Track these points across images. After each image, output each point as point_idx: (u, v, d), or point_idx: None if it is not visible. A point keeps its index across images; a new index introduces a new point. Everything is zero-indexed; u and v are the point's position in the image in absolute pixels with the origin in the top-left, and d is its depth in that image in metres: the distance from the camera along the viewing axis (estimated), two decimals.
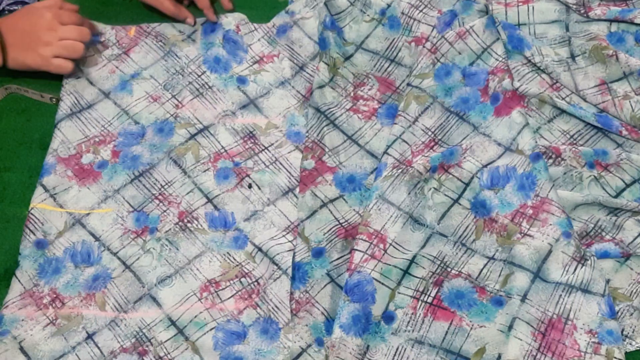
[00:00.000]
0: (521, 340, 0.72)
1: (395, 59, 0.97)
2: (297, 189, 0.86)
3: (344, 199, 0.85)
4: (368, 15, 0.99)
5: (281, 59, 0.97)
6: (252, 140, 0.90)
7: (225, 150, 0.89)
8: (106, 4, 1.04)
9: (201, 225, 0.83)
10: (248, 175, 0.87)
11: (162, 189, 0.86)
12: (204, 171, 0.87)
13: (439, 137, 0.88)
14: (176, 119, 0.91)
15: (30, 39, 0.88)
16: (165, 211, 0.84)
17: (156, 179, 0.87)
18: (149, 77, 0.95)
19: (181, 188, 0.86)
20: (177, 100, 0.93)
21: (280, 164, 0.88)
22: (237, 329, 0.76)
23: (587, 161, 0.85)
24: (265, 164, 0.88)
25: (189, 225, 0.83)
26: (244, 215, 0.84)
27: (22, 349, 0.74)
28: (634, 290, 0.76)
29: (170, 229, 0.83)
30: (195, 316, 0.77)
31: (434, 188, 0.83)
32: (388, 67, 0.96)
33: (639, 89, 0.90)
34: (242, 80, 0.95)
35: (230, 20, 0.99)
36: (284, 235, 0.82)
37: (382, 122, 0.91)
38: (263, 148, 0.89)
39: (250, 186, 0.86)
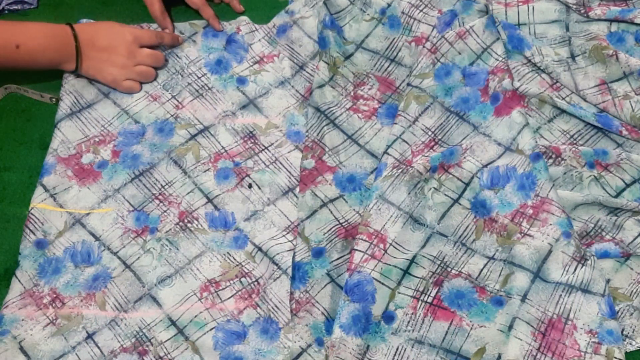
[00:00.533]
0: (521, 340, 0.73)
1: (396, 58, 0.97)
2: (297, 189, 0.86)
3: (344, 199, 0.85)
4: (368, 14, 0.99)
5: (281, 59, 0.97)
6: (252, 140, 0.90)
7: (226, 151, 0.89)
8: (106, 4, 1.04)
9: (201, 225, 0.83)
10: (248, 175, 0.87)
11: (163, 189, 0.86)
12: (204, 171, 0.87)
13: (439, 137, 0.88)
14: (176, 120, 0.91)
15: (108, 57, 0.90)
16: (165, 211, 0.84)
17: (156, 179, 0.87)
18: None
19: (181, 188, 0.86)
20: (177, 100, 0.93)
21: (280, 163, 0.88)
22: (237, 328, 0.76)
23: (587, 161, 0.85)
24: (265, 164, 0.88)
25: (189, 225, 0.83)
26: (244, 215, 0.84)
27: (22, 349, 0.74)
28: (634, 290, 0.76)
29: (170, 229, 0.83)
30: (195, 316, 0.77)
31: (434, 188, 0.83)
32: (388, 66, 0.96)
33: (639, 89, 0.90)
34: (241, 81, 0.95)
35: (233, 27, 0.99)
36: (284, 235, 0.82)
37: (382, 122, 0.91)
38: (263, 148, 0.89)
39: (250, 186, 0.86)
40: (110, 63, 0.90)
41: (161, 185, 0.86)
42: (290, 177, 0.87)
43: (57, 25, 0.88)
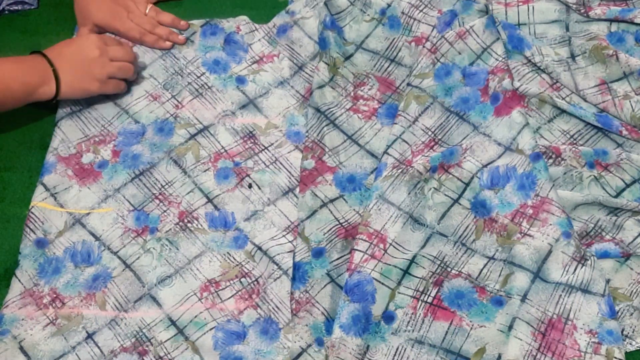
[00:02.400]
0: (521, 340, 0.72)
1: (395, 58, 0.97)
2: (297, 189, 0.86)
3: (344, 199, 0.85)
4: (368, 15, 0.99)
5: (281, 59, 0.97)
6: (252, 140, 0.90)
7: (225, 150, 0.89)
8: None
9: (201, 225, 0.83)
10: (248, 175, 0.87)
11: (163, 189, 0.86)
12: (204, 171, 0.87)
13: (439, 137, 0.88)
14: (176, 119, 0.91)
15: (83, 63, 0.87)
16: (165, 211, 0.84)
17: (156, 179, 0.87)
18: (149, 77, 0.95)
19: (181, 188, 0.86)
20: (177, 100, 0.93)
21: (281, 163, 0.88)
22: (237, 329, 0.76)
23: (587, 161, 0.85)
24: (265, 164, 0.88)
25: (189, 225, 0.83)
26: (244, 215, 0.84)
27: (22, 349, 0.74)
28: (634, 290, 0.76)
29: (170, 229, 0.83)
30: (196, 316, 0.77)
31: (434, 188, 0.83)
32: (388, 67, 0.96)
33: (639, 89, 0.90)
34: (241, 80, 0.95)
35: (232, 24, 0.99)
36: (284, 236, 0.82)
37: (382, 122, 0.91)
38: (263, 148, 0.89)
39: (250, 186, 0.86)
40: (88, 68, 0.87)
41: (161, 185, 0.86)
42: (290, 177, 0.87)
43: (22, 56, 0.86)
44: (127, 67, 0.91)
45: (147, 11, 0.97)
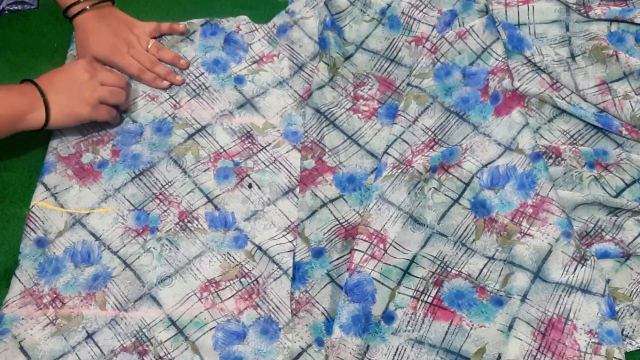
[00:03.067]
0: (521, 340, 0.72)
1: (395, 58, 0.97)
2: (297, 189, 0.86)
3: (344, 199, 0.85)
4: (368, 15, 0.99)
5: (281, 59, 0.97)
6: (250, 140, 0.90)
7: (224, 150, 0.89)
8: None
9: (201, 225, 0.83)
10: (248, 175, 0.87)
11: (163, 189, 0.86)
12: (204, 171, 0.87)
13: (439, 137, 0.88)
14: (174, 120, 0.91)
15: (73, 87, 0.84)
16: (165, 211, 0.84)
17: (157, 179, 0.87)
18: None
19: (181, 188, 0.86)
20: (175, 100, 0.93)
21: (280, 163, 0.88)
22: (237, 329, 0.76)
23: (587, 161, 0.85)
24: (264, 164, 0.88)
25: (189, 225, 0.83)
26: (244, 215, 0.84)
27: (22, 349, 0.74)
28: (634, 290, 0.76)
29: (170, 229, 0.83)
30: (196, 316, 0.77)
31: (434, 188, 0.83)
32: (388, 67, 0.96)
33: (639, 89, 0.90)
34: (239, 80, 0.95)
35: (232, 24, 0.99)
36: (284, 236, 0.82)
37: (382, 122, 0.91)
38: (261, 148, 0.89)
39: (250, 186, 0.86)
40: (78, 92, 0.84)
41: (161, 184, 0.86)
42: (290, 177, 0.87)
43: (11, 85, 0.83)
44: (119, 91, 0.88)
45: (149, 47, 0.95)
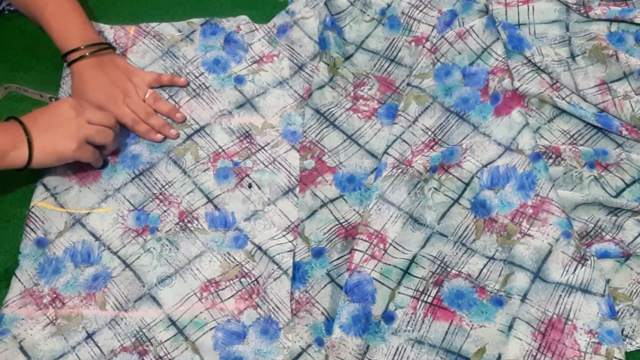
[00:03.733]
0: (521, 340, 0.72)
1: (395, 59, 0.97)
2: (297, 189, 0.86)
3: (344, 199, 0.85)
4: (368, 15, 0.99)
5: (281, 59, 0.97)
6: (248, 140, 0.90)
7: (223, 150, 0.89)
8: (106, 4, 1.04)
9: (201, 225, 0.83)
10: (248, 175, 0.87)
11: (163, 189, 0.86)
12: (204, 171, 0.87)
13: (439, 137, 0.88)
14: (173, 120, 0.91)
15: (58, 125, 0.79)
16: (165, 211, 0.84)
17: (157, 179, 0.87)
18: None
19: (181, 188, 0.86)
20: (174, 101, 0.93)
21: (279, 163, 0.88)
22: (237, 329, 0.76)
23: (587, 161, 0.85)
24: (264, 164, 0.88)
25: (189, 225, 0.83)
26: (244, 215, 0.84)
27: (22, 349, 0.74)
28: (634, 290, 0.76)
29: (170, 229, 0.83)
30: (196, 316, 0.77)
31: (434, 188, 0.83)
32: (388, 67, 0.96)
33: (639, 88, 0.90)
34: (239, 80, 0.95)
35: (232, 24, 0.99)
36: (284, 235, 0.82)
37: (382, 122, 0.91)
38: (259, 148, 0.89)
39: (250, 186, 0.86)
40: (64, 129, 0.79)
41: (161, 185, 0.86)
42: (290, 177, 0.87)
43: None
44: (106, 131, 0.83)
45: (146, 96, 0.91)
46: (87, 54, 0.88)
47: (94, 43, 0.89)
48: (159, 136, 0.89)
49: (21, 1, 0.90)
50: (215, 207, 0.84)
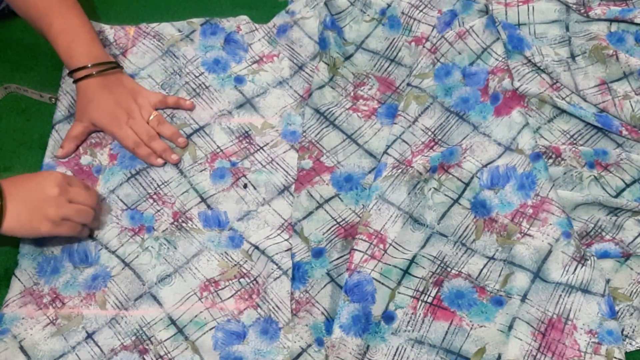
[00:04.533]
0: (521, 340, 0.72)
1: (395, 58, 0.97)
2: (293, 187, 0.86)
3: (340, 198, 0.85)
4: (368, 15, 0.99)
5: (281, 59, 0.97)
6: (247, 140, 0.90)
7: (221, 150, 0.89)
8: (106, 4, 1.04)
9: (196, 225, 0.83)
10: (244, 175, 0.87)
11: (158, 189, 0.86)
12: (201, 171, 0.87)
13: (439, 137, 0.88)
14: (172, 120, 0.91)
15: (38, 200, 0.75)
16: (159, 211, 0.84)
17: (153, 178, 0.87)
18: (147, 77, 0.95)
19: (177, 188, 0.86)
20: None
21: (277, 164, 0.88)
22: (237, 329, 0.76)
23: (587, 161, 0.85)
24: (261, 164, 0.88)
25: (184, 225, 0.83)
26: (237, 215, 0.84)
27: (22, 349, 0.74)
28: (634, 290, 0.76)
29: (167, 229, 0.83)
30: (196, 316, 0.77)
31: (434, 188, 0.83)
32: (388, 67, 0.96)
33: (639, 89, 0.90)
34: (239, 80, 0.95)
35: (232, 24, 0.99)
36: (279, 234, 0.82)
37: (382, 122, 0.91)
38: (258, 148, 0.89)
39: (245, 186, 0.86)
40: (41, 204, 0.75)
41: (157, 184, 0.86)
42: (287, 177, 0.87)
43: None
44: (86, 211, 0.78)
45: (150, 118, 0.89)
46: (94, 72, 0.87)
47: (101, 62, 0.88)
48: (160, 161, 0.87)
49: (28, 15, 0.89)
50: (208, 206, 0.84)
